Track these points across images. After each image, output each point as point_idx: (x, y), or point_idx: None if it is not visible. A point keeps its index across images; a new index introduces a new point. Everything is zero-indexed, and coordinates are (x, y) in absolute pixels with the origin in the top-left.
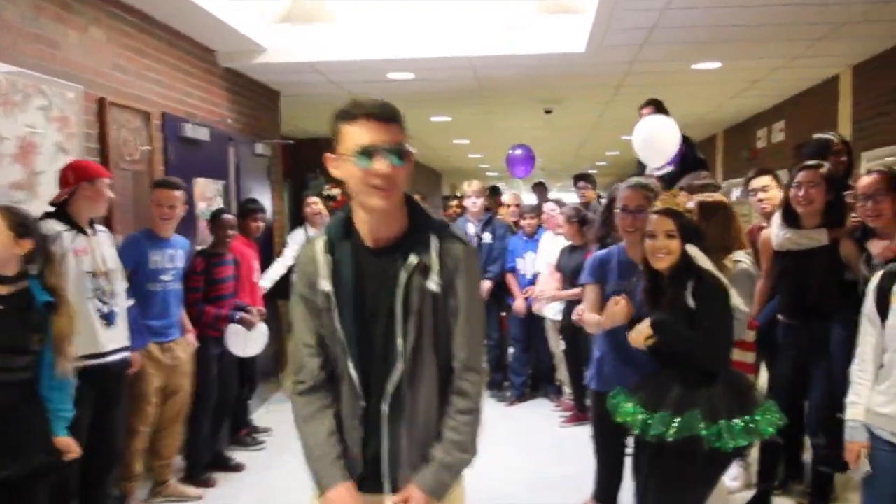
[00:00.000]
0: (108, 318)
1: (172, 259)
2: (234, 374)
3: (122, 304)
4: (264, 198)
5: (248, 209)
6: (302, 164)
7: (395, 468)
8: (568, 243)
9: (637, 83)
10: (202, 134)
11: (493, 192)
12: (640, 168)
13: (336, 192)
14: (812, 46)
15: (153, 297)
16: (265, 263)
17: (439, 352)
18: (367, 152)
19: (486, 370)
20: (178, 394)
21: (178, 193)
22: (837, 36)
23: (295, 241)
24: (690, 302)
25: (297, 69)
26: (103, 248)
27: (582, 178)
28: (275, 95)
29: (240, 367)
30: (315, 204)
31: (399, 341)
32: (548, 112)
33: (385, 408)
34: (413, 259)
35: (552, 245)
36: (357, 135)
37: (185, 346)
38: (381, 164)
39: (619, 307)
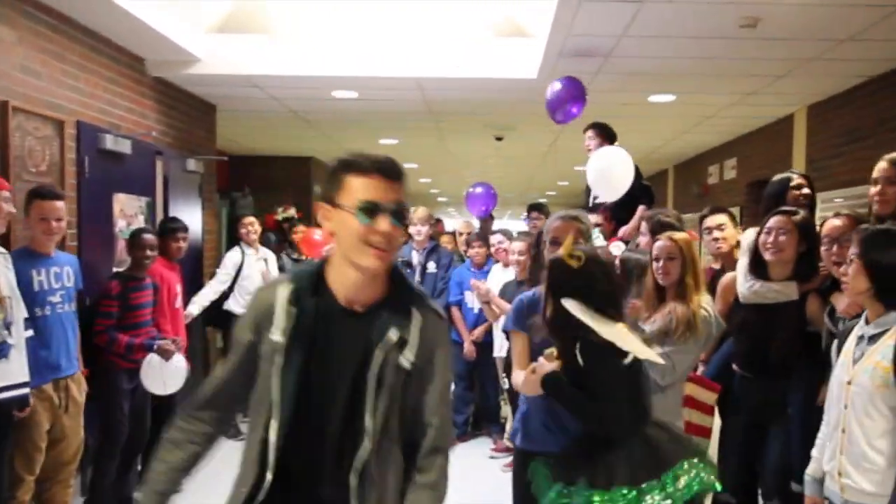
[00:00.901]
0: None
1: (59, 277)
2: (148, 410)
3: (19, 334)
4: (194, 216)
5: (169, 228)
6: (241, 181)
7: None
8: (512, 276)
9: (590, 114)
10: (124, 146)
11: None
12: (587, 196)
13: (292, 212)
14: (770, 84)
15: (42, 322)
16: (191, 287)
17: (404, 431)
18: (372, 209)
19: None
20: (68, 438)
21: (62, 205)
22: (794, 74)
23: (231, 260)
24: (580, 360)
25: (233, 82)
26: None
27: (535, 209)
28: (210, 109)
29: (156, 402)
30: (251, 225)
31: (368, 418)
32: (499, 139)
33: (353, 484)
34: (393, 335)
35: (503, 277)
36: (363, 189)
37: (80, 384)
38: (384, 224)
39: (534, 376)
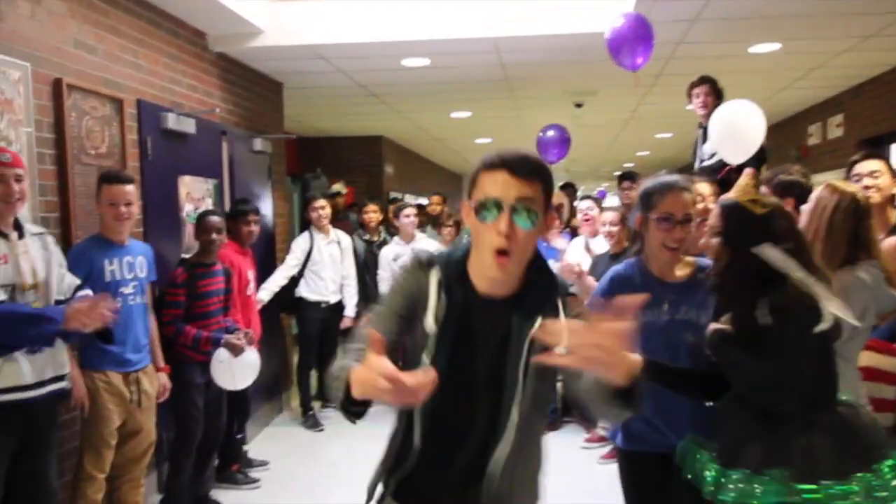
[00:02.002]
0: None
1: (132, 267)
2: (223, 405)
3: None
4: (264, 199)
5: (240, 211)
6: (311, 163)
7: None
8: (605, 249)
9: (680, 70)
10: (188, 126)
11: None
12: (695, 157)
13: (338, 187)
14: (892, 23)
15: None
16: (263, 274)
17: (543, 417)
18: (487, 205)
19: None
20: (140, 435)
21: (132, 189)
22: None
23: (299, 246)
24: (767, 319)
25: (297, 54)
26: (32, 255)
27: (627, 178)
28: (277, 87)
29: (230, 396)
30: (322, 208)
31: (514, 411)
32: (578, 106)
33: (490, 471)
34: (538, 322)
35: (583, 251)
36: (486, 185)
37: (153, 377)
38: (502, 223)
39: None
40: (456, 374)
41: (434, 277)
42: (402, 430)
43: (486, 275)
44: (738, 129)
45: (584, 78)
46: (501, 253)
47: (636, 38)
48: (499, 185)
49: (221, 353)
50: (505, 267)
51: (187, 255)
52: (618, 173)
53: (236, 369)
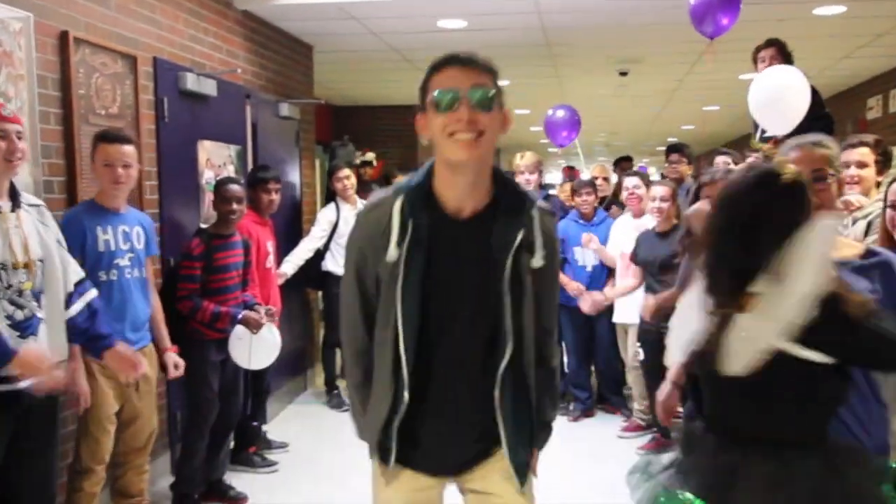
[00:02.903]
0: (24, 327)
1: (128, 237)
2: (240, 385)
3: (53, 306)
4: (291, 167)
5: (260, 178)
6: (345, 132)
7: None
8: (649, 227)
9: (735, 34)
10: (209, 87)
11: None
12: (756, 130)
13: (371, 156)
14: None
15: (107, 289)
16: (289, 247)
17: (538, 326)
18: (446, 96)
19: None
20: (138, 422)
21: (132, 150)
22: None
23: (325, 217)
24: None
25: (327, 13)
26: (26, 229)
27: (675, 150)
28: (307, 50)
29: (248, 375)
30: (347, 178)
31: (508, 322)
32: (623, 74)
33: (497, 392)
34: (520, 235)
35: (630, 229)
36: (440, 82)
37: (153, 359)
38: (463, 110)
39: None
40: (436, 295)
41: (396, 205)
42: (390, 375)
43: (457, 180)
44: (777, 99)
45: (630, 44)
46: (465, 140)
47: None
48: (453, 79)
49: (240, 330)
50: (471, 150)
51: (205, 226)
52: (661, 147)
53: (254, 348)
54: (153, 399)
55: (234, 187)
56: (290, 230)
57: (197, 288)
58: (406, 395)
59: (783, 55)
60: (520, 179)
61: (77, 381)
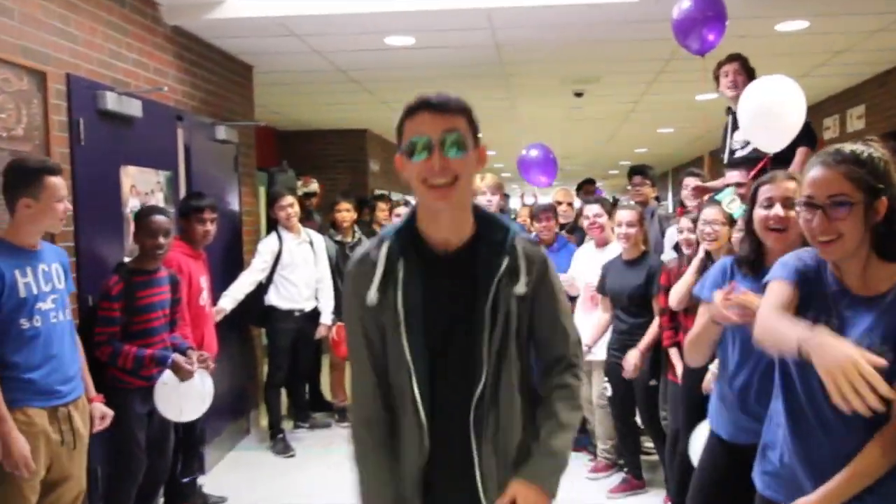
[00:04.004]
0: None
1: (48, 277)
2: (170, 437)
3: None
4: (230, 194)
5: (193, 207)
6: (290, 157)
7: (487, 489)
8: (614, 254)
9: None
10: (132, 108)
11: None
12: (724, 147)
13: (314, 187)
14: None
15: (31, 340)
16: (228, 279)
17: (522, 359)
18: (416, 145)
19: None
20: (67, 483)
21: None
22: None
23: (267, 248)
24: None
25: (265, 29)
26: None
27: (638, 173)
28: (246, 70)
29: (179, 427)
30: (290, 206)
31: (484, 349)
32: (578, 95)
33: (470, 425)
34: (504, 262)
35: (593, 260)
36: (412, 128)
37: (86, 412)
38: (435, 158)
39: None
40: (435, 333)
41: (383, 250)
42: (411, 419)
43: (439, 219)
44: (773, 111)
45: (586, 61)
46: (439, 188)
47: (706, 17)
48: (424, 125)
49: (167, 377)
50: (448, 196)
51: (123, 261)
52: (613, 171)
53: (184, 397)
54: (84, 456)
55: (160, 218)
56: (230, 262)
57: (116, 331)
58: (427, 439)
59: (746, 70)
60: (481, 200)
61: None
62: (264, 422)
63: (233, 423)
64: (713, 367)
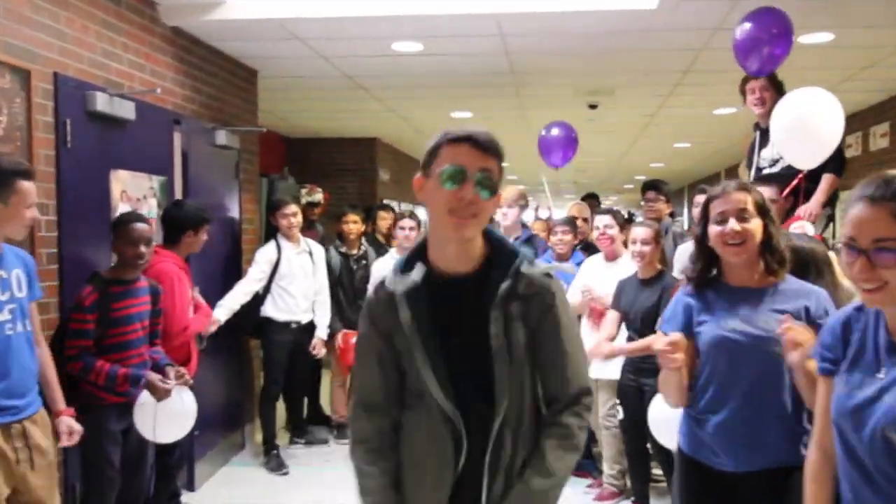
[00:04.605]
0: None
1: (6, 285)
2: (146, 458)
3: None
4: (230, 201)
5: (203, 218)
6: (298, 165)
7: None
8: (623, 269)
9: (712, 65)
10: (125, 110)
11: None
12: (750, 163)
13: (319, 196)
14: None
15: None
16: (226, 289)
17: (534, 387)
18: (455, 174)
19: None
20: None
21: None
22: None
23: (265, 257)
24: None
25: (267, 32)
26: None
27: (651, 188)
28: (250, 74)
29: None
30: (294, 215)
31: (501, 378)
32: (592, 107)
33: (487, 455)
34: (505, 286)
35: (603, 274)
36: (452, 156)
37: (47, 427)
38: (467, 190)
39: None
40: (452, 360)
41: (397, 278)
42: (441, 430)
43: (448, 247)
44: (808, 125)
45: (600, 72)
46: (462, 218)
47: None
48: (464, 156)
49: (143, 397)
50: (466, 227)
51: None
52: (629, 185)
53: (160, 417)
54: (53, 473)
55: (141, 226)
56: (228, 271)
57: (89, 345)
58: (466, 444)
59: (774, 86)
60: (497, 215)
61: None
62: (260, 436)
63: (227, 437)
64: None
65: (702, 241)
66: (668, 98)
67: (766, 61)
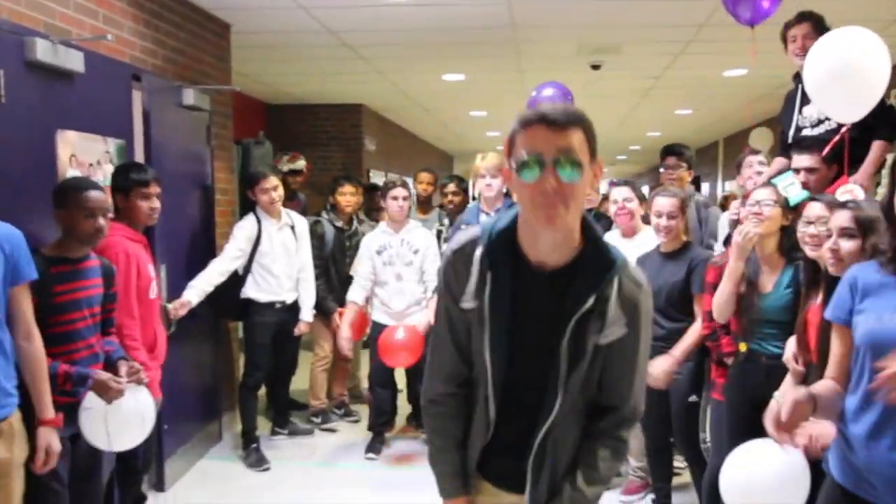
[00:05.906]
0: None
1: None
2: (100, 467)
3: None
4: (201, 169)
5: (134, 181)
6: (280, 132)
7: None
8: (644, 245)
9: (726, 20)
10: (73, 61)
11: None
12: (785, 128)
13: (301, 164)
14: None
15: None
16: (198, 267)
17: (590, 399)
18: (528, 164)
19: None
20: None
21: None
22: None
23: (243, 233)
24: None
25: None
26: None
27: (671, 153)
28: (221, 28)
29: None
30: (275, 189)
31: (559, 391)
32: (595, 68)
33: (531, 459)
34: (590, 303)
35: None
36: (525, 143)
37: (18, 436)
38: (548, 179)
39: None
40: (520, 350)
41: (477, 254)
42: (482, 407)
43: (541, 237)
44: (849, 70)
45: (610, 24)
46: (549, 208)
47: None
48: (538, 140)
49: (90, 400)
50: (557, 222)
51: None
52: (621, 157)
53: (113, 422)
54: (15, 487)
55: (97, 194)
56: (200, 247)
57: None
58: (489, 434)
59: (819, 33)
60: (480, 185)
61: None
62: (239, 427)
63: (202, 429)
64: (777, 395)
65: (889, 209)
66: (679, 57)
67: (756, 10)
